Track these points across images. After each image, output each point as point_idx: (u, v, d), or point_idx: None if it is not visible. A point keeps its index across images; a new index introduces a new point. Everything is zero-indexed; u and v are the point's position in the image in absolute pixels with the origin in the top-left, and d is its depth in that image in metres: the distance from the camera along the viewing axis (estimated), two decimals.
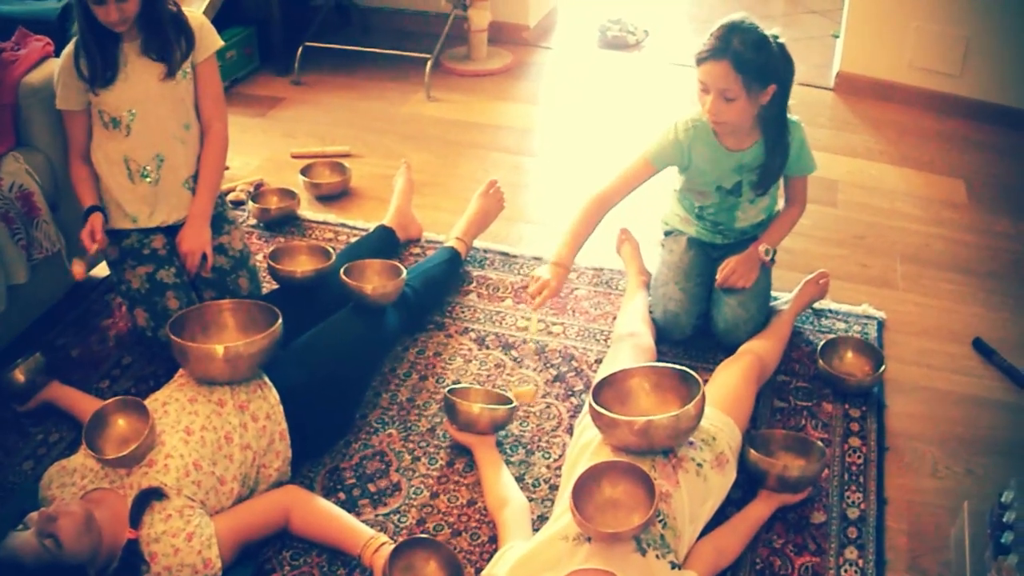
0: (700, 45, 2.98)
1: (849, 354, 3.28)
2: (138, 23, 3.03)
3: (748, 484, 2.76)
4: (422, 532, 2.67)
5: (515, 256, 3.82)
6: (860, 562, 2.62)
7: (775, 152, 3.16)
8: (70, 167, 3.19)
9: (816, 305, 3.53)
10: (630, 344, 3.06)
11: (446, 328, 3.43)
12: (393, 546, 2.47)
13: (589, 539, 2.29)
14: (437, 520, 2.72)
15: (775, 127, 3.12)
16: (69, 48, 3.08)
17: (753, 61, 2.91)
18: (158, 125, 3.14)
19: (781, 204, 3.44)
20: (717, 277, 3.29)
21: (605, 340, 3.37)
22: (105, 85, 3.06)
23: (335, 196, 4.26)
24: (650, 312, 3.33)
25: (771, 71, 2.97)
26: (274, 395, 2.74)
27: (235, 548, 2.50)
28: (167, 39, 3.09)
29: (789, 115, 3.15)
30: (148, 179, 3.17)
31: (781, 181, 3.32)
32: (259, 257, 3.71)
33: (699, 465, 2.54)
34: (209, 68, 3.22)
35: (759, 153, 3.18)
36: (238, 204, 4.14)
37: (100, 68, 3.04)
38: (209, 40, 3.20)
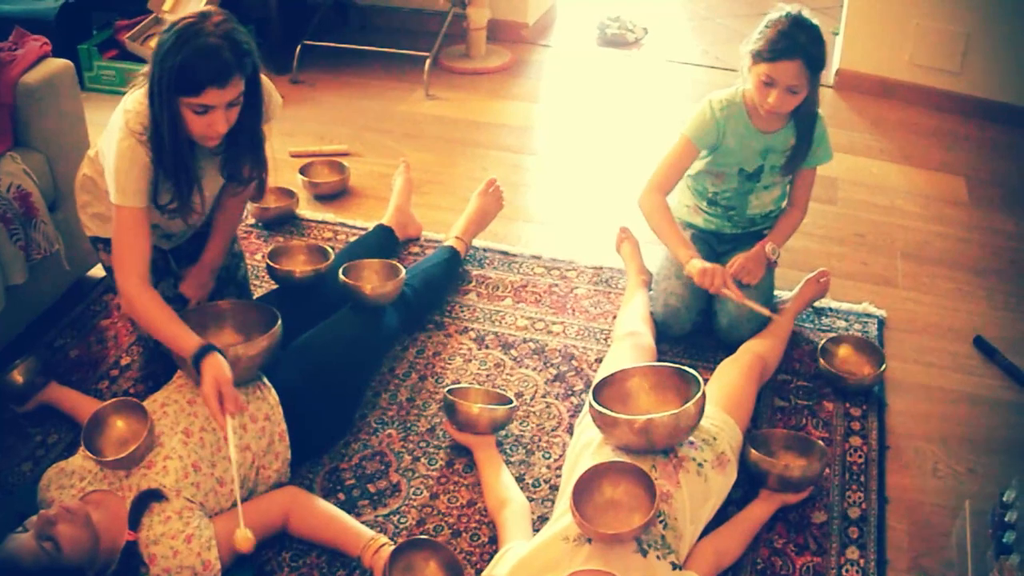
0: (762, 40, 3.02)
1: (850, 353, 3.27)
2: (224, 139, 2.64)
3: (749, 484, 2.75)
4: (422, 533, 2.67)
5: (515, 255, 3.81)
6: (861, 562, 2.61)
7: (805, 136, 3.22)
8: (129, 295, 2.65)
9: (817, 303, 3.53)
10: (630, 343, 3.06)
11: (445, 328, 3.42)
12: (393, 547, 2.47)
13: (590, 540, 2.28)
14: (437, 521, 2.72)
15: (808, 109, 3.19)
16: (137, 145, 2.56)
17: (818, 56, 3.02)
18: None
19: (785, 205, 3.44)
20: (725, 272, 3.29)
21: (605, 339, 3.36)
22: (173, 217, 2.74)
23: (334, 195, 4.25)
24: (651, 306, 3.33)
25: (825, 61, 3.07)
26: (273, 396, 2.73)
27: (234, 550, 2.49)
28: (252, 166, 2.76)
29: None
30: (169, 239, 3.04)
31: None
32: (257, 257, 3.70)
33: (700, 465, 2.54)
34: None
35: (787, 136, 3.23)
36: None
37: (180, 205, 2.66)
38: (271, 110, 2.80)
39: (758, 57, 3.04)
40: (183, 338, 2.56)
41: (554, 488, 2.80)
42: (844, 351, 3.27)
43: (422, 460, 2.91)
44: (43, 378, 3.03)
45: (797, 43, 2.97)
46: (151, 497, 2.44)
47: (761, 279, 3.29)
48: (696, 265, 3.17)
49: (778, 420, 3.06)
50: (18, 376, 2.99)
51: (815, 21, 3.03)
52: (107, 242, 3.06)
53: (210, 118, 2.49)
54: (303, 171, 4.29)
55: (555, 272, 3.72)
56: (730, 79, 3.28)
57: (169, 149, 2.54)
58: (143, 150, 2.56)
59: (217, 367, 2.49)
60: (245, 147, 2.70)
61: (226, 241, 3.12)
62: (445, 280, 3.55)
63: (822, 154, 3.30)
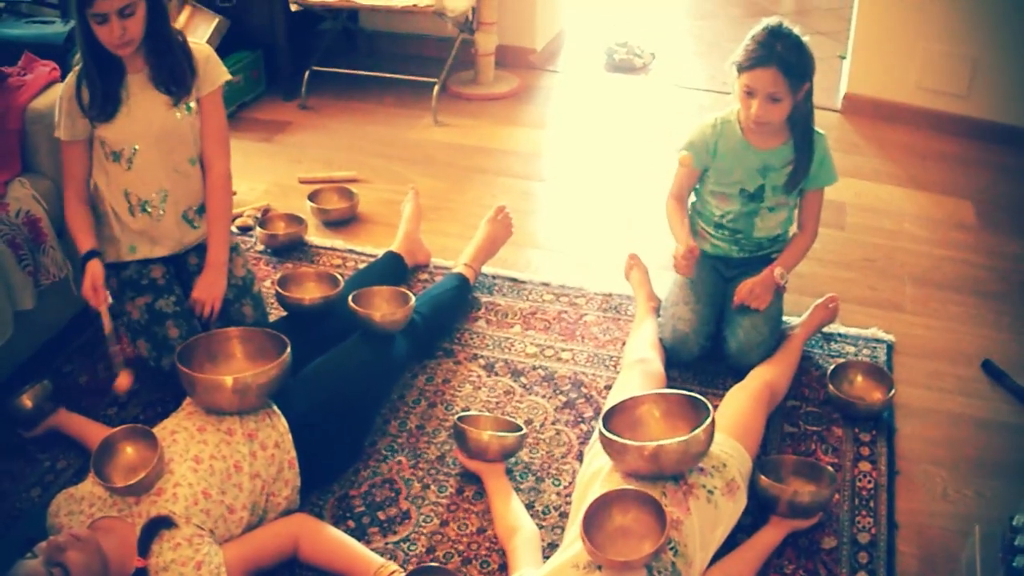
0: (742, 52, 3.10)
1: (859, 378, 3.27)
2: (145, 51, 2.99)
3: (758, 510, 2.75)
4: (432, 560, 2.66)
5: (524, 282, 3.81)
6: None
7: (804, 149, 3.24)
8: (65, 205, 3.12)
9: (825, 329, 3.52)
10: (640, 370, 3.05)
11: (455, 355, 3.43)
12: (403, 575, 2.46)
13: (600, 567, 2.27)
14: (447, 548, 2.71)
15: (803, 122, 3.22)
16: (71, 77, 3.01)
17: (796, 63, 3.05)
18: (160, 160, 3.09)
19: (794, 229, 3.44)
20: (735, 297, 3.30)
21: (615, 366, 3.36)
22: (106, 119, 3.00)
23: (343, 222, 4.26)
24: (660, 332, 3.33)
25: (808, 70, 3.11)
26: (283, 423, 2.73)
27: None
28: (176, 67, 3.02)
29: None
30: (149, 214, 3.13)
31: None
32: (267, 284, 3.71)
33: (710, 492, 2.53)
34: (213, 103, 3.16)
35: (786, 154, 3.25)
36: (245, 229, 4.14)
37: (101, 101, 2.97)
38: (215, 73, 3.14)
39: (739, 69, 3.12)
40: (83, 241, 3.06)
41: (564, 515, 2.80)
42: (853, 376, 3.27)
43: (432, 487, 2.91)
44: (52, 403, 3.04)
45: (772, 51, 3.03)
46: (161, 524, 2.43)
47: (769, 304, 3.28)
48: (679, 249, 3.27)
49: (787, 446, 3.06)
50: (27, 401, 3.00)
51: (815, 41, 3.09)
52: (113, 266, 3.11)
53: (109, 26, 2.83)
54: (312, 197, 4.30)
55: (564, 299, 3.72)
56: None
57: (86, 57, 2.94)
58: (72, 80, 3.00)
59: (94, 270, 3.00)
60: (164, 54, 3.01)
61: (224, 233, 3.20)
62: (455, 307, 3.55)
63: (825, 175, 3.31)
